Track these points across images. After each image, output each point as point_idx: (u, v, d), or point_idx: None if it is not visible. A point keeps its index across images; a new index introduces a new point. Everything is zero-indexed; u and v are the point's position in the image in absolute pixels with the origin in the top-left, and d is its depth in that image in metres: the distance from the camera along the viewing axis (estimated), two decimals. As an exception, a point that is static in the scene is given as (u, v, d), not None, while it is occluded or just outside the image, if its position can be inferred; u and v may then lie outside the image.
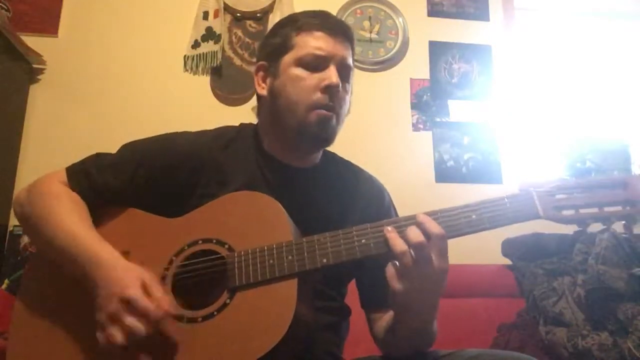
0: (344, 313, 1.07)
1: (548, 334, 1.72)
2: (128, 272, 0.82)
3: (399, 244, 0.78)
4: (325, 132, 0.99)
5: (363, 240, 0.82)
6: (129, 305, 0.77)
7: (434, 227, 0.78)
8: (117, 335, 0.76)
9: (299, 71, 0.99)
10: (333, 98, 0.98)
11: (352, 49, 1.06)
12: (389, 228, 0.81)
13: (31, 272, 1.00)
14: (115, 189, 0.98)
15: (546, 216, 0.80)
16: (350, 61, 1.04)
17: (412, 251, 0.77)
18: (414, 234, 0.77)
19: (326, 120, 0.98)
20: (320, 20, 1.03)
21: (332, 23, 1.04)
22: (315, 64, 0.99)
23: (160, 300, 0.79)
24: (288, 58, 1.01)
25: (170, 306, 0.79)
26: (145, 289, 0.79)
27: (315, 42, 1.00)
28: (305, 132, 0.98)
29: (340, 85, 0.99)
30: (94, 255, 0.85)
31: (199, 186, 0.99)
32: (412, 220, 0.81)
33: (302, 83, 0.98)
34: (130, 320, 0.76)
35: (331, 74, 0.98)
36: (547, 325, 1.75)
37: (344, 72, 1.02)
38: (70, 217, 0.91)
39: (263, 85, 1.06)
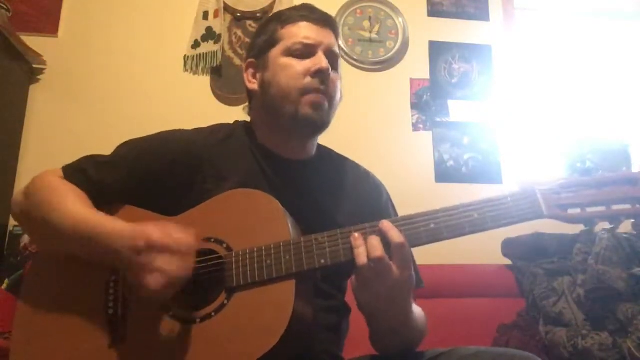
0: (344, 311, 1.07)
1: (548, 334, 1.72)
2: (145, 226, 0.82)
3: (360, 256, 0.79)
4: (319, 116, 1.00)
5: None
6: (155, 250, 0.78)
7: (395, 237, 0.79)
8: (152, 281, 0.77)
9: (287, 60, 1.01)
10: (324, 82, 1.00)
11: (337, 38, 1.07)
12: (356, 235, 0.81)
13: (33, 272, 1.00)
14: (112, 187, 0.98)
15: (551, 215, 0.78)
16: (336, 49, 1.05)
17: (371, 264, 0.78)
18: (374, 248, 0.78)
19: (319, 104, 0.99)
20: (304, 12, 1.05)
21: (315, 13, 1.05)
22: (303, 52, 1.01)
23: (183, 236, 0.80)
24: (276, 50, 1.03)
25: (193, 239, 0.81)
26: (166, 232, 0.80)
27: (301, 32, 1.02)
28: (300, 118, 0.99)
29: (330, 69, 1.00)
30: (107, 228, 0.85)
31: (197, 183, 0.99)
32: (375, 226, 0.81)
33: (292, 70, 0.99)
34: (161, 260, 0.77)
35: (320, 59, 1.00)
36: (547, 325, 1.75)
37: (332, 59, 1.03)
38: (74, 203, 0.91)
39: (253, 80, 1.07)
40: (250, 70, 1.09)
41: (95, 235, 0.85)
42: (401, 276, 0.79)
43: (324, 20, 1.05)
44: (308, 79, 0.99)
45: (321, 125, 1.02)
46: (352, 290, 0.85)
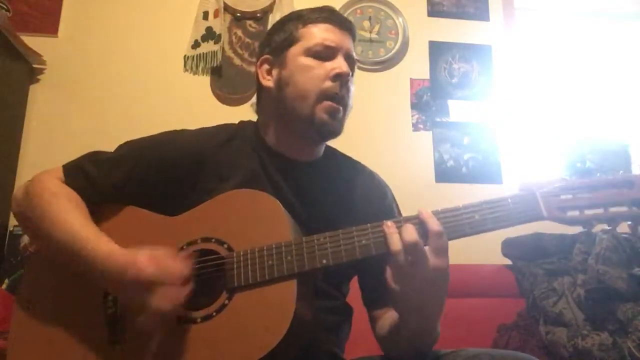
0: (345, 312, 1.06)
1: (548, 334, 1.72)
2: (136, 257, 0.81)
3: (394, 243, 0.77)
4: (334, 124, 0.99)
5: (363, 241, 0.81)
6: (148, 286, 0.78)
7: (432, 225, 0.78)
8: (146, 323, 0.78)
9: (308, 60, 1.00)
10: (343, 87, 0.99)
11: (354, 44, 1.07)
12: (389, 223, 0.80)
13: (31, 272, 1.00)
14: (113, 186, 0.97)
15: (550, 217, 0.79)
16: (354, 54, 1.06)
17: (406, 250, 0.76)
18: (408, 233, 0.77)
19: (335, 112, 0.99)
20: (326, 14, 1.05)
21: (337, 16, 1.06)
22: (324, 54, 1.00)
23: (176, 269, 0.80)
24: (295, 49, 1.02)
25: (186, 270, 0.81)
26: (157, 264, 0.80)
27: (323, 34, 1.02)
28: (315, 122, 0.98)
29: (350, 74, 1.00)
30: (94, 250, 0.84)
31: (198, 183, 0.99)
32: (414, 218, 0.80)
33: (313, 72, 0.99)
34: (153, 298, 0.78)
35: (341, 63, 0.99)
36: (547, 325, 1.75)
37: (350, 64, 1.03)
38: (67, 214, 0.90)
39: (268, 77, 1.05)
40: (265, 66, 1.07)
41: (84, 256, 0.85)
42: (437, 266, 0.77)
43: (345, 25, 1.05)
44: (328, 83, 0.98)
45: (334, 133, 1.02)
46: (387, 284, 0.81)
